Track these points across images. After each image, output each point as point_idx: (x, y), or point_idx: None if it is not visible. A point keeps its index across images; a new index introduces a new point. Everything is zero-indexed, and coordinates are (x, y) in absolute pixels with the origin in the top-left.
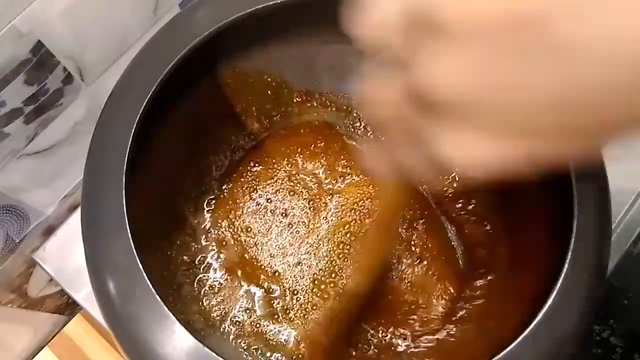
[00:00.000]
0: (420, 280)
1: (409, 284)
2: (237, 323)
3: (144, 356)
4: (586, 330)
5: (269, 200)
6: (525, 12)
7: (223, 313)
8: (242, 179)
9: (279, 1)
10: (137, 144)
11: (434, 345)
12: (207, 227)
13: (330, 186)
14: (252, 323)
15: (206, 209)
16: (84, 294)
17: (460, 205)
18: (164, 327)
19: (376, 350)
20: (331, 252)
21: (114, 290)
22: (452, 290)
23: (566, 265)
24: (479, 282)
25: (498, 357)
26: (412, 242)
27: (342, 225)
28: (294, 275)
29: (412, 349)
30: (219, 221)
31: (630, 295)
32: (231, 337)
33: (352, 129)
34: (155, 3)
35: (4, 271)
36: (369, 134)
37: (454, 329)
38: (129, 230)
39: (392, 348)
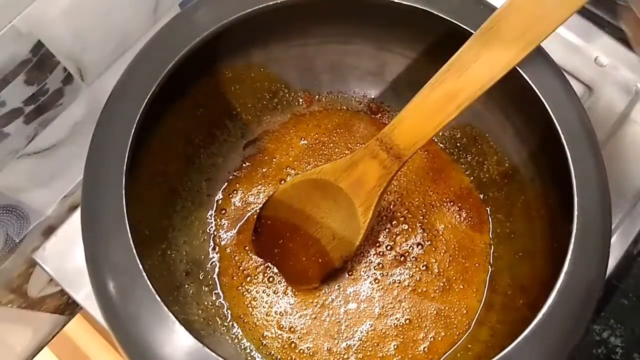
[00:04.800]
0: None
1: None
2: (238, 322)
3: (144, 356)
4: (586, 330)
5: None
6: None
7: (223, 313)
8: (241, 178)
9: (279, 1)
10: (137, 143)
11: None
12: (207, 226)
13: None
14: (253, 323)
15: (206, 207)
16: (84, 294)
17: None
18: (164, 327)
19: None
20: None
21: (114, 290)
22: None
23: (566, 265)
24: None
25: (498, 357)
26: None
27: None
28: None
29: None
30: (219, 220)
31: (630, 295)
32: (231, 337)
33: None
34: (155, 3)
35: (4, 271)
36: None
37: None
38: (129, 230)
39: None
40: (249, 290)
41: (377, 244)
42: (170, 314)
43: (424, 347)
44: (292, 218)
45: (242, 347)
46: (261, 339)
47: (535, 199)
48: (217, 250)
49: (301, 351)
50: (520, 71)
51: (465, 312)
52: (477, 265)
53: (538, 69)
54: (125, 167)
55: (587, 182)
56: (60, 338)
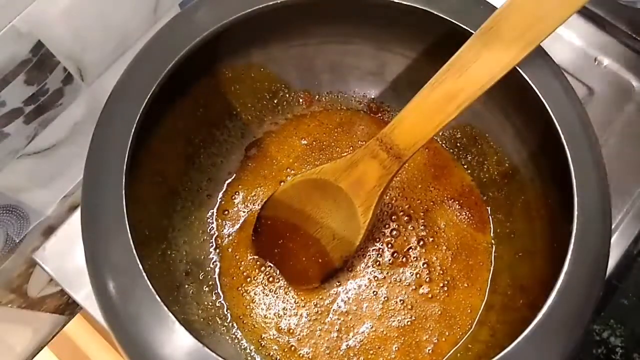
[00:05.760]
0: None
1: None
2: (238, 323)
3: (144, 356)
4: (586, 330)
5: None
6: None
7: (223, 313)
8: (242, 178)
9: (278, 1)
10: (137, 143)
11: None
12: (208, 226)
13: None
14: (252, 324)
15: (206, 208)
16: (84, 294)
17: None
18: (164, 327)
19: None
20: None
21: (114, 290)
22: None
23: (566, 265)
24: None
25: (498, 357)
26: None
27: None
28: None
29: None
30: (220, 220)
31: (630, 295)
32: (231, 337)
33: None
34: (155, 3)
35: (4, 271)
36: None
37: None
38: (129, 230)
39: None
40: (249, 291)
41: (377, 240)
42: (170, 314)
43: (429, 349)
44: (292, 218)
45: (242, 347)
46: (260, 340)
47: (535, 199)
48: (218, 250)
49: (300, 355)
50: (520, 71)
51: (469, 311)
52: (480, 264)
53: (538, 69)
54: (125, 167)
55: (587, 182)
56: (60, 338)
